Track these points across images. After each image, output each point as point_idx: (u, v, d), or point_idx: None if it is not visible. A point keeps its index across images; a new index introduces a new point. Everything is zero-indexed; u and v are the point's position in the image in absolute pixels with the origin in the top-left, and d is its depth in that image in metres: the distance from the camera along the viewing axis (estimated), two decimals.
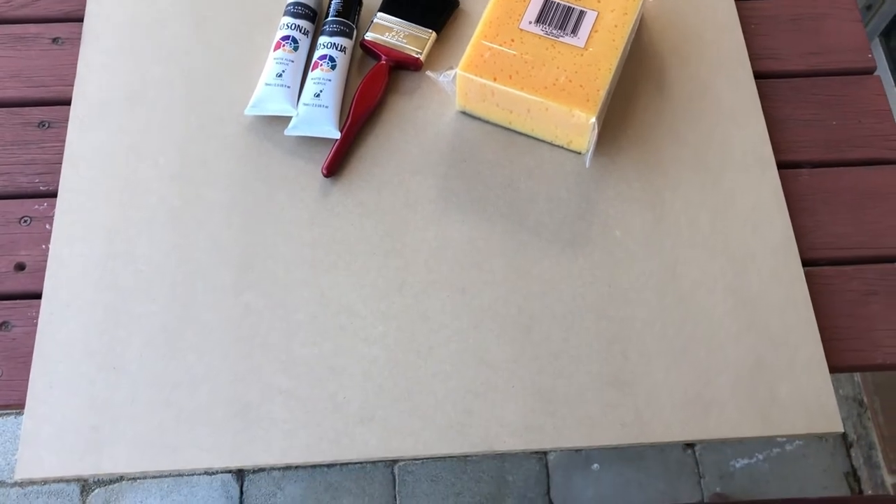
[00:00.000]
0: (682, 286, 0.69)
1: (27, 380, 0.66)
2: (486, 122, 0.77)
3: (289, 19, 0.78)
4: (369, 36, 0.79)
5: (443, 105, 0.78)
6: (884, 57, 1.39)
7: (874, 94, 0.79)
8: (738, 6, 0.83)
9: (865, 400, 1.37)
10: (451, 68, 0.73)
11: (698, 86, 0.79)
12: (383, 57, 0.78)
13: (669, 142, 0.76)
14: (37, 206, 0.74)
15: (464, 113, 0.77)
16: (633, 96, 0.78)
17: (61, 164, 0.75)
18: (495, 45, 0.73)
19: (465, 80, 0.73)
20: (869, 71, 0.81)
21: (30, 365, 0.66)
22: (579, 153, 0.75)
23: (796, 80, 0.80)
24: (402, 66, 0.79)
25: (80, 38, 0.81)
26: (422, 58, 0.78)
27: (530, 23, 0.74)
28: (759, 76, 0.80)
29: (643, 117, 0.77)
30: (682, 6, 0.82)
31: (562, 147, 0.75)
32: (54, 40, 0.82)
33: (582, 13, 0.74)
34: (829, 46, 0.82)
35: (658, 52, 0.80)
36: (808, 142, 0.77)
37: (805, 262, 0.71)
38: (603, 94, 0.71)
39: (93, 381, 0.65)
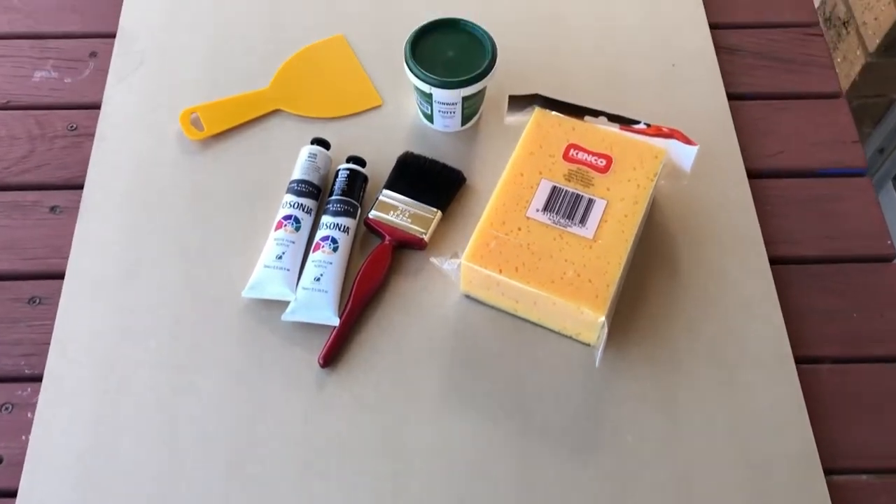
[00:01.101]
0: (698, 499, 0.65)
1: None
2: (492, 307, 0.74)
3: (292, 197, 0.76)
4: (373, 214, 0.77)
5: (447, 287, 0.75)
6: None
7: None
8: (752, 185, 0.81)
9: None
10: (456, 256, 0.71)
11: (712, 271, 0.76)
12: (387, 237, 0.76)
13: (683, 333, 0.73)
14: (20, 392, 0.70)
15: (469, 297, 0.75)
16: (645, 283, 0.75)
17: (49, 344, 0.72)
18: (501, 234, 0.71)
19: (470, 270, 0.70)
20: (889, 258, 0.78)
21: None
22: (588, 345, 0.72)
23: (813, 267, 0.77)
24: (406, 246, 0.77)
25: (78, 208, 0.79)
26: (426, 238, 0.76)
27: (538, 210, 0.72)
28: (774, 261, 0.77)
29: (655, 306, 0.74)
30: (694, 185, 0.80)
31: (570, 338, 0.72)
32: (52, 209, 0.80)
33: (591, 202, 0.72)
34: (846, 231, 0.79)
35: (670, 234, 0.78)
36: (827, 336, 0.74)
37: (827, 471, 0.67)
38: (612, 289, 0.68)
39: None
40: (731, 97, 0.87)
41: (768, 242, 0.78)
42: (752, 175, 0.82)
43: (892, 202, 1.38)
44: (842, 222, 0.80)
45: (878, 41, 1.17)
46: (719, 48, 0.90)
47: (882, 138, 1.34)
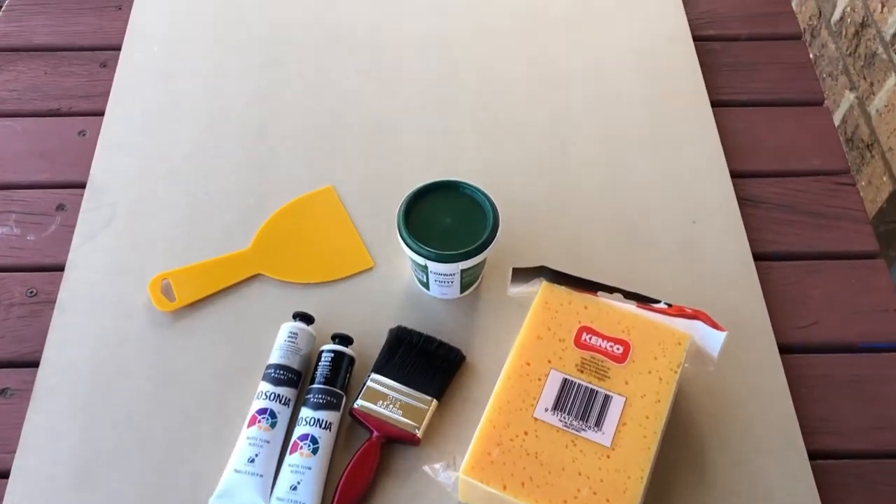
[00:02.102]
0: None
1: None
2: None
3: (268, 387, 0.68)
4: (359, 405, 0.68)
5: (444, 495, 0.66)
6: None
7: None
8: (784, 361, 0.73)
9: None
10: (453, 463, 0.62)
11: (745, 472, 0.67)
12: (374, 432, 0.67)
13: None
14: None
15: None
16: (669, 486, 0.66)
17: None
18: (505, 440, 0.62)
19: (469, 484, 0.61)
20: None
21: None
22: None
23: (860, 464, 0.68)
24: (396, 441, 0.68)
25: (31, 390, 0.71)
26: (419, 434, 0.67)
27: (546, 410, 0.63)
28: (814, 455, 0.68)
29: None
30: (722, 367, 0.71)
31: None
32: (2, 392, 0.72)
33: (607, 399, 0.63)
34: (894, 419, 0.70)
35: (697, 427, 0.69)
36: None
37: None
38: None
39: None
40: (757, 257, 0.79)
41: (806, 433, 0.69)
42: (784, 350, 0.74)
43: None
44: (891, 409, 0.71)
45: None
46: (741, 200, 0.83)
47: None
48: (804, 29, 1.38)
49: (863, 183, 1.23)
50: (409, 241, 0.70)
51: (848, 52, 1.25)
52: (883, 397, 0.71)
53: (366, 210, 0.82)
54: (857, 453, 0.69)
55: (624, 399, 0.64)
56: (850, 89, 1.24)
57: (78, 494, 0.65)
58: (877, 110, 1.17)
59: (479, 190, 0.72)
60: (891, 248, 1.27)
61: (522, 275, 0.71)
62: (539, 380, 0.65)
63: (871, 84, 1.18)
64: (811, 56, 1.33)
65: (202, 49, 0.94)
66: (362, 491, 0.65)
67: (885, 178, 1.16)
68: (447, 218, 0.72)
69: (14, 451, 0.68)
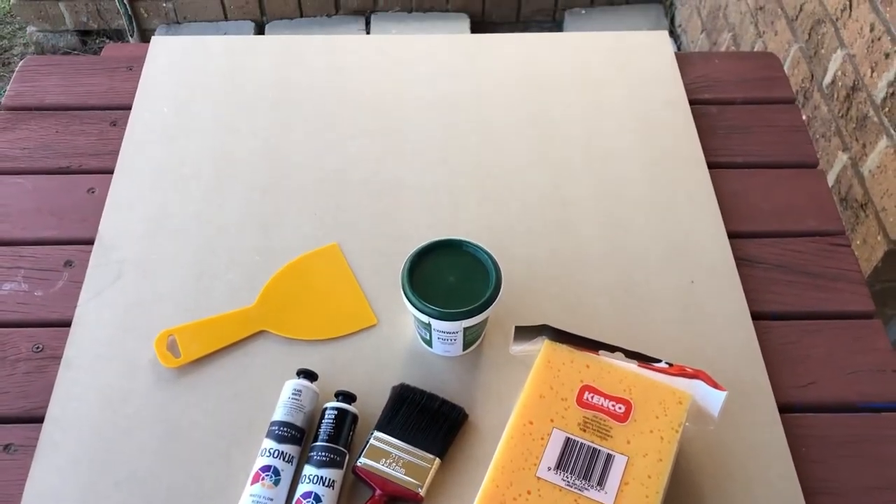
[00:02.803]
0: None
1: None
2: None
3: (272, 444, 0.68)
4: (362, 463, 0.68)
5: None
6: None
7: None
8: (783, 420, 0.73)
9: None
10: None
11: None
12: (377, 491, 0.67)
13: None
14: None
15: None
16: None
17: None
18: (509, 500, 0.62)
19: None
20: None
21: None
22: None
23: None
24: (399, 500, 0.68)
25: (35, 446, 0.71)
26: (422, 493, 0.67)
27: (549, 469, 0.64)
28: None
29: None
30: (722, 427, 0.72)
31: None
32: (6, 447, 0.72)
33: (609, 458, 0.64)
34: (894, 479, 0.70)
35: (698, 487, 0.69)
36: None
37: None
38: None
39: None
40: (755, 317, 0.80)
41: (807, 493, 0.69)
42: (783, 409, 0.74)
43: None
44: (891, 469, 0.71)
45: None
46: (738, 260, 0.84)
47: None
48: (797, 91, 1.42)
49: (857, 242, 1.24)
50: (412, 299, 0.71)
51: (840, 115, 1.28)
52: (882, 457, 0.72)
53: (369, 267, 0.83)
54: None
55: (626, 458, 0.64)
56: (843, 150, 1.27)
57: None
58: (869, 171, 1.20)
59: (481, 248, 0.74)
60: (886, 306, 1.29)
61: (525, 333, 0.72)
62: (542, 439, 0.65)
63: (864, 146, 1.21)
64: (804, 118, 1.36)
65: (210, 109, 0.97)
66: None
67: (879, 238, 1.18)
68: (450, 276, 0.73)
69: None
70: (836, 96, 1.28)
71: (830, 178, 1.30)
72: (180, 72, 1.01)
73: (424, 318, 0.71)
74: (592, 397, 0.67)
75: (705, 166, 0.92)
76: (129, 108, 0.98)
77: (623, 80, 1.01)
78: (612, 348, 0.70)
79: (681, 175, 0.91)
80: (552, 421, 0.66)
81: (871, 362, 0.78)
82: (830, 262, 0.85)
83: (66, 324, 0.79)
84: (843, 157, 1.27)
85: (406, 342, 0.78)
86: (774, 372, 0.76)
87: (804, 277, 0.84)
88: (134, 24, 2.13)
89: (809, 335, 0.79)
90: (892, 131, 1.13)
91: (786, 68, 1.42)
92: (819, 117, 1.34)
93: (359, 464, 0.69)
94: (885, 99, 1.15)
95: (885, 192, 1.16)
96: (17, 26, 2.25)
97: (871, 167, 1.19)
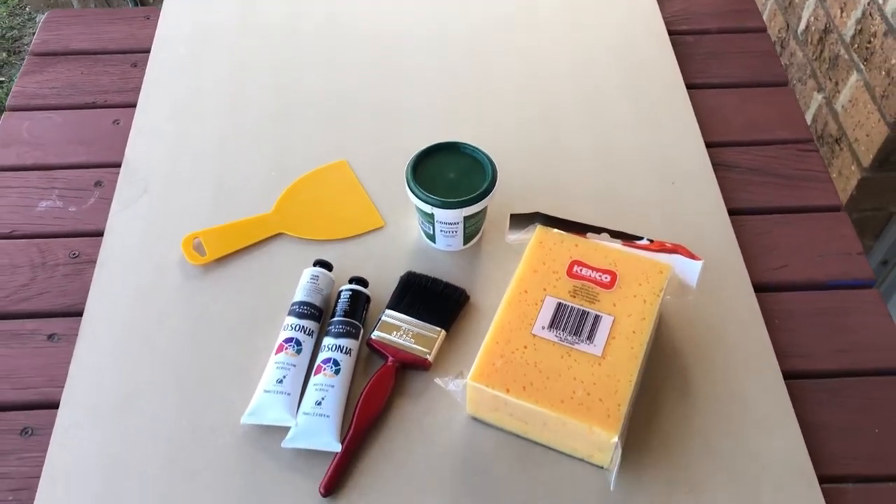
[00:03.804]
0: None
1: None
2: (500, 430, 0.71)
3: (293, 320, 0.75)
4: (375, 335, 0.76)
5: (453, 409, 0.73)
6: None
7: None
8: (759, 299, 0.80)
9: None
10: (461, 375, 0.69)
11: (725, 389, 0.74)
12: (390, 358, 0.74)
13: (699, 454, 0.70)
14: None
15: (475, 419, 0.72)
16: (657, 402, 0.73)
17: (39, 478, 0.69)
18: (507, 353, 0.69)
19: (476, 390, 0.68)
20: None
21: None
22: (601, 468, 0.69)
23: (829, 381, 0.75)
24: (409, 367, 0.75)
25: (76, 335, 0.78)
26: (430, 358, 0.75)
27: (543, 328, 0.71)
28: (787, 376, 0.75)
29: (669, 425, 0.71)
30: (701, 300, 0.79)
31: (583, 461, 0.69)
32: (50, 337, 0.79)
33: (597, 318, 0.71)
34: (859, 344, 0.77)
35: (680, 351, 0.76)
36: (850, 453, 0.71)
37: None
38: (624, 408, 0.66)
39: None
40: (732, 212, 0.87)
41: (780, 356, 0.76)
42: (759, 289, 0.81)
43: None
44: (854, 335, 0.78)
45: (871, 156, 1.19)
46: (715, 165, 0.91)
47: (885, 250, 1.34)
48: (774, 41, 1.49)
49: (834, 175, 1.32)
50: (417, 191, 0.78)
51: (814, 57, 1.35)
52: (845, 327, 0.79)
53: (376, 180, 0.90)
54: (824, 372, 0.76)
55: (612, 318, 0.71)
56: (818, 91, 1.34)
57: (121, 418, 0.72)
58: (842, 106, 1.27)
59: (479, 150, 0.81)
60: (864, 236, 1.36)
61: (519, 221, 0.79)
62: (536, 304, 0.72)
63: (836, 83, 1.29)
64: (783, 63, 1.43)
65: (224, 48, 1.04)
66: (379, 409, 0.72)
67: (853, 167, 1.26)
68: (451, 173, 0.80)
69: (62, 386, 0.75)
70: (809, 41, 1.36)
71: (808, 118, 1.38)
72: (193, 17, 1.08)
73: (428, 209, 0.78)
74: (581, 269, 0.75)
75: (684, 87, 0.99)
76: (147, 51, 1.05)
77: (608, 15, 1.08)
78: (598, 230, 0.77)
79: (661, 95, 0.98)
80: (545, 290, 0.73)
81: (838, 247, 0.85)
82: (800, 164, 0.92)
83: (100, 234, 0.86)
84: (818, 98, 1.35)
85: (411, 241, 0.85)
86: (750, 257, 0.84)
87: (776, 178, 0.91)
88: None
89: (781, 226, 0.87)
90: (861, 65, 1.21)
91: (764, 20, 1.50)
92: (795, 63, 1.42)
93: (373, 336, 0.76)
94: (853, 36, 1.22)
95: (857, 123, 1.23)
96: (27, 17, 2.33)
97: (843, 102, 1.27)
